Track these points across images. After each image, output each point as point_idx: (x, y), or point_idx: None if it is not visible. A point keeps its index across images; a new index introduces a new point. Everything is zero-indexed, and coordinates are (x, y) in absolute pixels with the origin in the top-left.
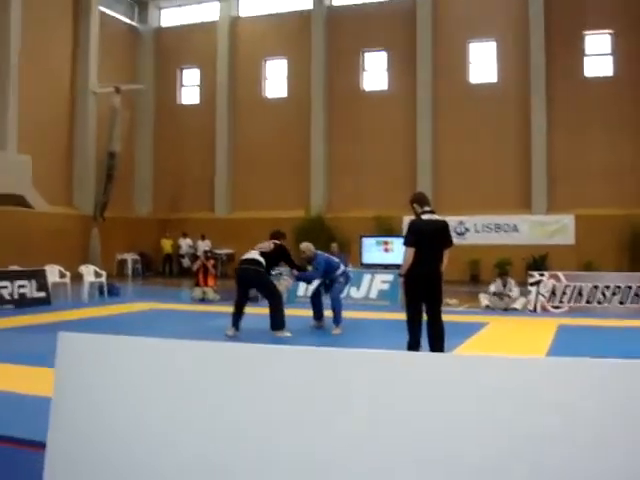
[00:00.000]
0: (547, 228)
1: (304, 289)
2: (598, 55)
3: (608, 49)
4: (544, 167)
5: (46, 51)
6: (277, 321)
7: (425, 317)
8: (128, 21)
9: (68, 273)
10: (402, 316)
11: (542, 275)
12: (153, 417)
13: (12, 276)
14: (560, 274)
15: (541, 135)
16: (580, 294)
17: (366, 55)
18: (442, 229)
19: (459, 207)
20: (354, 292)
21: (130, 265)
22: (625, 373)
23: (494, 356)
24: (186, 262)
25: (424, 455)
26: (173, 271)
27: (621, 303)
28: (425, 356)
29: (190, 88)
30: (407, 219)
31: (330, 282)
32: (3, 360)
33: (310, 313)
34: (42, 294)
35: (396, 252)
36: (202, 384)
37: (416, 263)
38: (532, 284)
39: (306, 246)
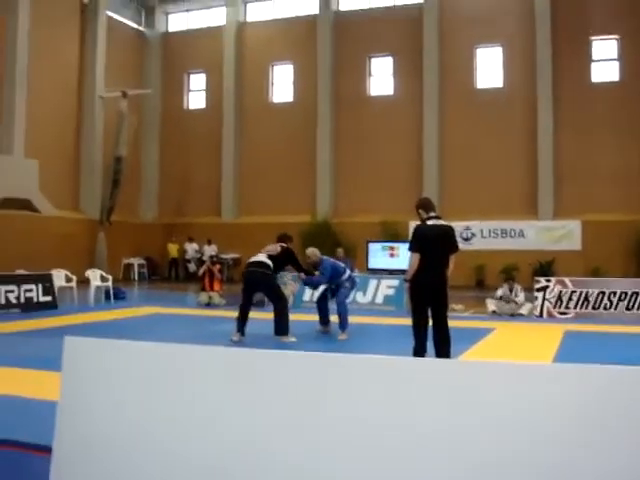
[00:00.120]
0: (554, 233)
1: (310, 294)
2: (605, 60)
3: (615, 54)
4: (550, 172)
5: (53, 56)
6: (281, 326)
7: (431, 322)
8: (135, 26)
9: (74, 277)
10: (408, 321)
11: (548, 281)
12: (159, 421)
13: (19, 280)
14: (567, 280)
15: (547, 140)
16: (587, 300)
17: (372, 60)
18: (447, 234)
19: (465, 212)
20: (360, 297)
21: (136, 269)
22: (632, 380)
23: (500, 362)
24: (192, 267)
25: (429, 461)
26: (179, 276)
27: (628, 309)
28: (431, 362)
29: (197, 93)
30: (413, 224)
31: (336, 287)
32: (9, 364)
33: (315, 318)
34: (48, 298)
35: (402, 257)
36: (207, 389)
37: (421, 269)
38: (538, 290)
39: (312, 251)
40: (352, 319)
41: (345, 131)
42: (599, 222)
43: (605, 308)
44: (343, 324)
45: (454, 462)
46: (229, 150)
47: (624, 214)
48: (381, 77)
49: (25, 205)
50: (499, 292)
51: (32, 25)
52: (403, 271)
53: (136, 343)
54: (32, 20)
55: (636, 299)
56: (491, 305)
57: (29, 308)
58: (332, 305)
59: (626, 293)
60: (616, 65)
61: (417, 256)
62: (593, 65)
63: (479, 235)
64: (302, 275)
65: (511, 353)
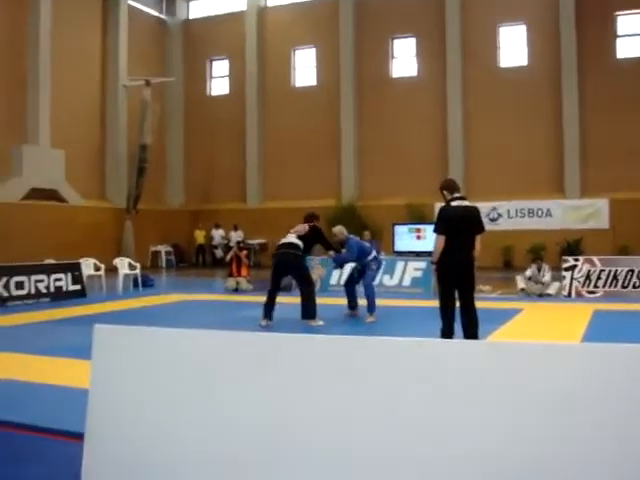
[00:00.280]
0: (581, 212)
1: (337, 277)
2: (630, 36)
3: None
4: (577, 150)
5: (76, 46)
6: (309, 310)
7: (458, 304)
8: (156, 14)
9: (103, 266)
10: (435, 303)
11: (576, 260)
12: (189, 406)
13: (48, 270)
14: (595, 259)
15: (573, 118)
16: (615, 279)
17: (395, 42)
18: (472, 215)
19: (491, 193)
20: (387, 280)
21: (163, 257)
22: None
23: (529, 343)
24: (219, 253)
25: (458, 443)
26: (206, 262)
27: None
28: (459, 343)
29: (219, 79)
30: (439, 206)
31: (362, 268)
32: (40, 353)
33: (342, 301)
34: (77, 287)
35: (428, 239)
36: (236, 374)
37: (447, 250)
38: (566, 269)
39: (339, 229)
40: (379, 302)
41: (369, 114)
42: (627, 200)
43: (634, 287)
44: (371, 307)
45: (485, 442)
46: (253, 136)
47: None
48: (404, 58)
49: (52, 195)
50: (528, 272)
51: (54, 17)
52: (430, 253)
53: (164, 330)
54: (54, 11)
55: None
56: (521, 283)
57: (58, 297)
58: (359, 288)
59: None
60: None
61: (442, 238)
62: (618, 40)
63: (506, 215)
64: (331, 253)
65: (539, 333)
